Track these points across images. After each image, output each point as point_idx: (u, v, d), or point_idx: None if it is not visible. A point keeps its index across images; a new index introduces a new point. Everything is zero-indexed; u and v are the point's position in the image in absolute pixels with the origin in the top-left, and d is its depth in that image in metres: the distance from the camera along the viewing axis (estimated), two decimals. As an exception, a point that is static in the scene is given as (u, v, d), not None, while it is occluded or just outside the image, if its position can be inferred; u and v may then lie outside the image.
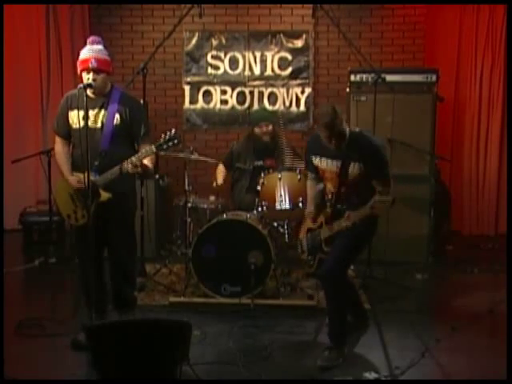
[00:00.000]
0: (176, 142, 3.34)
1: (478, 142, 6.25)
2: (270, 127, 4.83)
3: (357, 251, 3.43)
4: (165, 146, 3.34)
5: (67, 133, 3.51)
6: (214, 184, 4.92)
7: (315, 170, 3.48)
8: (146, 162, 3.41)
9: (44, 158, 4.87)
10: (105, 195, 3.39)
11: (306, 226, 3.61)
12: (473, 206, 6.31)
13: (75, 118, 3.39)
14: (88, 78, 3.35)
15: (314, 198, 3.56)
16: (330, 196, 3.39)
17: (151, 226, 5.13)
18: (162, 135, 3.34)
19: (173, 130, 3.36)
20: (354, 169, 3.24)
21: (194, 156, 4.59)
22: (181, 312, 3.92)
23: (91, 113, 3.39)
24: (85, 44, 3.48)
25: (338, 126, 3.16)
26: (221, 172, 5.04)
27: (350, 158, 3.24)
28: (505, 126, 6.14)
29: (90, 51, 3.40)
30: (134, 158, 3.32)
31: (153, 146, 3.34)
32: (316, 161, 3.41)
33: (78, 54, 3.47)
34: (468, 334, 3.55)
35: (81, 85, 3.23)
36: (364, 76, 5.18)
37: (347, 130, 3.25)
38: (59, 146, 3.56)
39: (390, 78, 4.96)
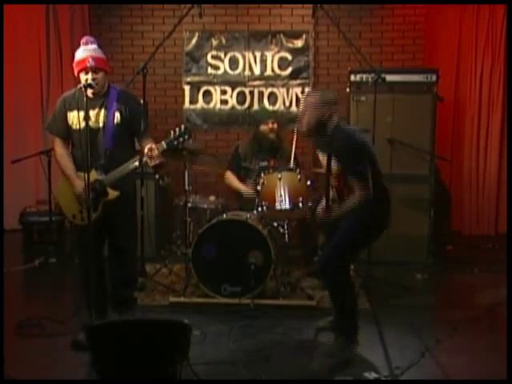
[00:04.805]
0: (187, 137, 3.36)
1: (478, 142, 6.25)
2: (276, 125, 4.90)
3: (353, 241, 3.33)
4: (175, 143, 3.37)
5: (66, 134, 3.49)
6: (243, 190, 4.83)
7: None
8: None
9: (44, 158, 4.87)
10: (113, 193, 3.39)
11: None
12: (473, 206, 6.30)
13: (75, 119, 3.36)
14: (87, 79, 3.32)
15: None
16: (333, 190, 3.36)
17: (151, 226, 5.13)
18: (172, 132, 3.35)
19: (182, 126, 3.38)
20: (335, 163, 3.23)
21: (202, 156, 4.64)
22: (181, 312, 3.92)
23: (92, 113, 3.38)
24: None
25: None
26: (233, 178, 4.98)
27: (331, 153, 3.26)
28: (505, 126, 6.14)
29: (86, 51, 3.39)
30: (150, 150, 3.31)
31: (163, 143, 3.36)
32: (320, 156, 3.42)
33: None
34: (468, 334, 3.55)
35: (80, 85, 3.21)
36: (364, 76, 5.18)
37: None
38: (60, 148, 3.52)
39: (389, 77, 4.95)
